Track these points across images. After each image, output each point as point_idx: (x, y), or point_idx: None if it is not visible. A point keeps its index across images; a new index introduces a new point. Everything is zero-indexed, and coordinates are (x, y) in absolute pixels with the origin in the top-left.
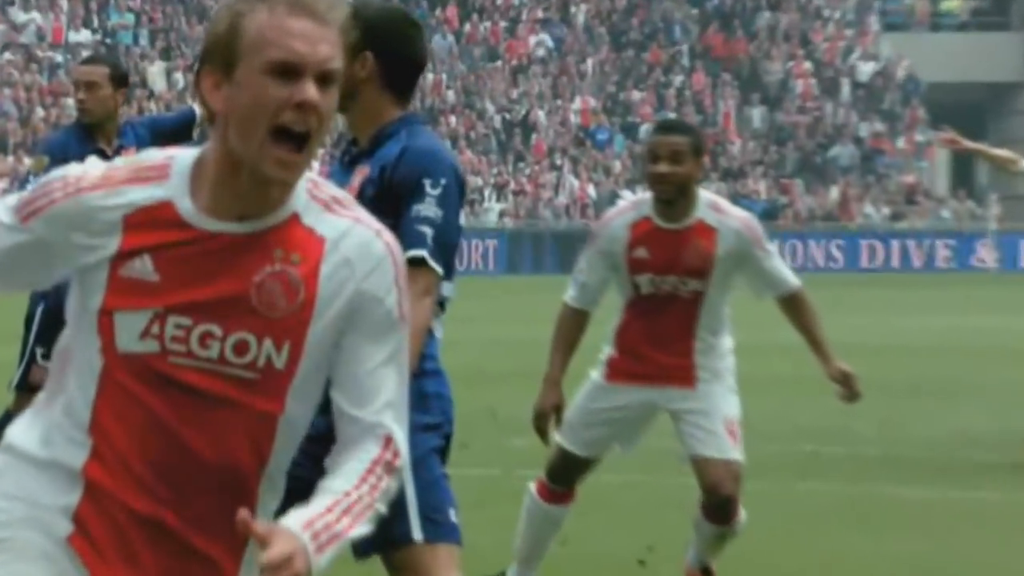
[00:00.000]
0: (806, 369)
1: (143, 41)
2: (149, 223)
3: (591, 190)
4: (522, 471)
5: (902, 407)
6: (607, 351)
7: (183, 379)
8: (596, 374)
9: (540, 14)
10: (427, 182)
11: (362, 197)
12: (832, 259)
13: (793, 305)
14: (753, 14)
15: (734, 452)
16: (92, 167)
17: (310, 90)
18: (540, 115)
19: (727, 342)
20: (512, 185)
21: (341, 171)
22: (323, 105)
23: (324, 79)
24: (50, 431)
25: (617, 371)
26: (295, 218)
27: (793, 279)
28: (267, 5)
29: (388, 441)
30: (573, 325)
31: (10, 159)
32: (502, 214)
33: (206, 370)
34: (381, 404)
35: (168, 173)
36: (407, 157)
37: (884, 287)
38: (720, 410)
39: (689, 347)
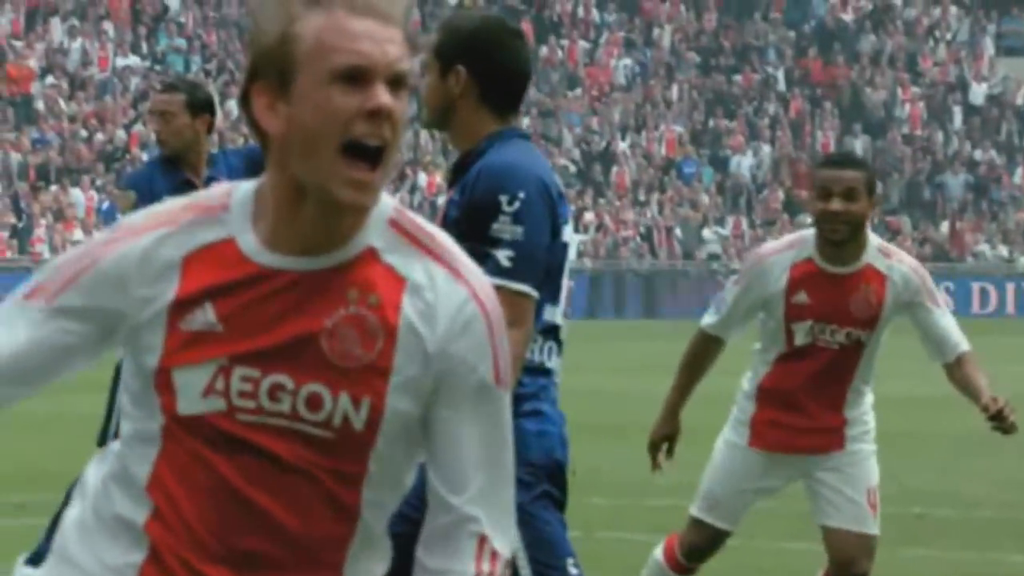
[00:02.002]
0: (913, 424)
1: (195, 67)
2: (209, 263)
3: (677, 228)
4: (603, 532)
5: (1019, 467)
6: (748, 409)
7: (253, 440)
8: (735, 436)
9: (622, 35)
10: (503, 199)
11: (447, 220)
12: None
13: (959, 367)
14: (855, 36)
15: (873, 525)
16: (140, 212)
17: (383, 95)
18: (622, 146)
19: (870, 395)
20: (592, 218)
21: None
22: (397, 112)
23: (395, 83)
24: (110, 485)
25: (763, 434)
26: (372, 253)
27: (964, 342)
28: (321, 7)
29: (482, 543)
30: (706, 351)
31: (53, 188)
32: (580, 253)
33: (278, 428)
34: (475, 491)
35: (228, 206)
36: (483, 175)
37: (998, 335)
38: (864, 478)
39: (842, 401)
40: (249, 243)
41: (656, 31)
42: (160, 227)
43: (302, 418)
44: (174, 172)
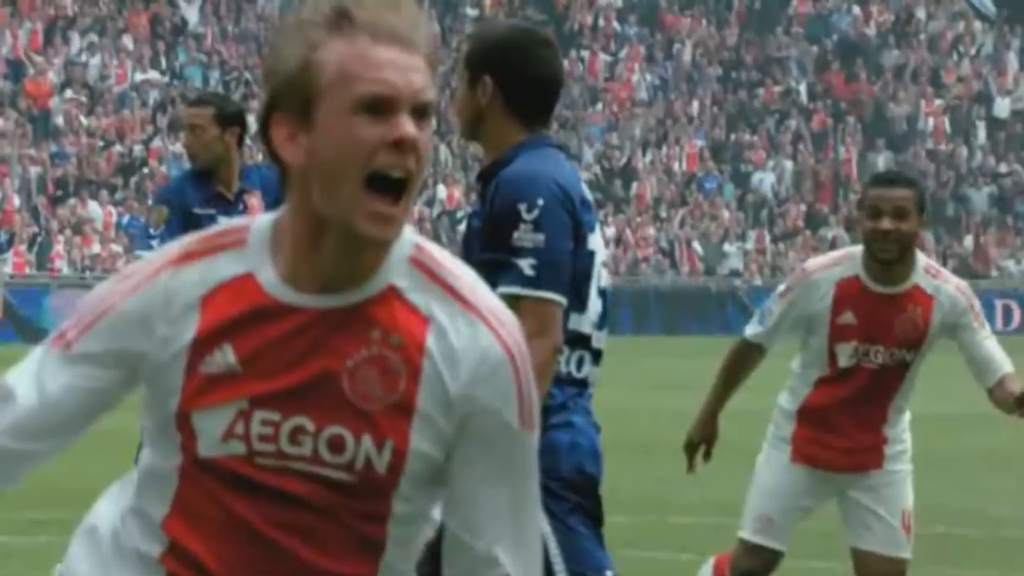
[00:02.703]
0: (936, 443)
1: (213, 81)
2: (228, 299)
3: (697, 243)
4: (623, 551)
5: None
6: (787, 427)
7: (272, 484)
8: (777, 454)
9: (643, 50)
10: (522, 207)
11: (471, 230)
12: None
13: (1000, 387)
14: (878, 51)
15: (906, 549)
16: (153, 252)
17: (408, 125)
18: (643, 162)
19: (908, 414)
20: (612, 234)
21: None
22: (422, 142)
23: (420, 113)
24: (128, 518)
25: (804, 450)
26: (393, 291)
27: (1007, 363)
28: (342, 34)
29: None
30: (747, 359)
31: (71, 201)
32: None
33: (298, 472)
34: (496, 532)
35: (245, 240)
36: (502, 184)
37: (1022, 353)
38: (900, 499)
39: (883, 420)
40: (268, 278)
41: (677, 45)
42: (177, 264)
43: (323, 461)
44: (205, 185)
